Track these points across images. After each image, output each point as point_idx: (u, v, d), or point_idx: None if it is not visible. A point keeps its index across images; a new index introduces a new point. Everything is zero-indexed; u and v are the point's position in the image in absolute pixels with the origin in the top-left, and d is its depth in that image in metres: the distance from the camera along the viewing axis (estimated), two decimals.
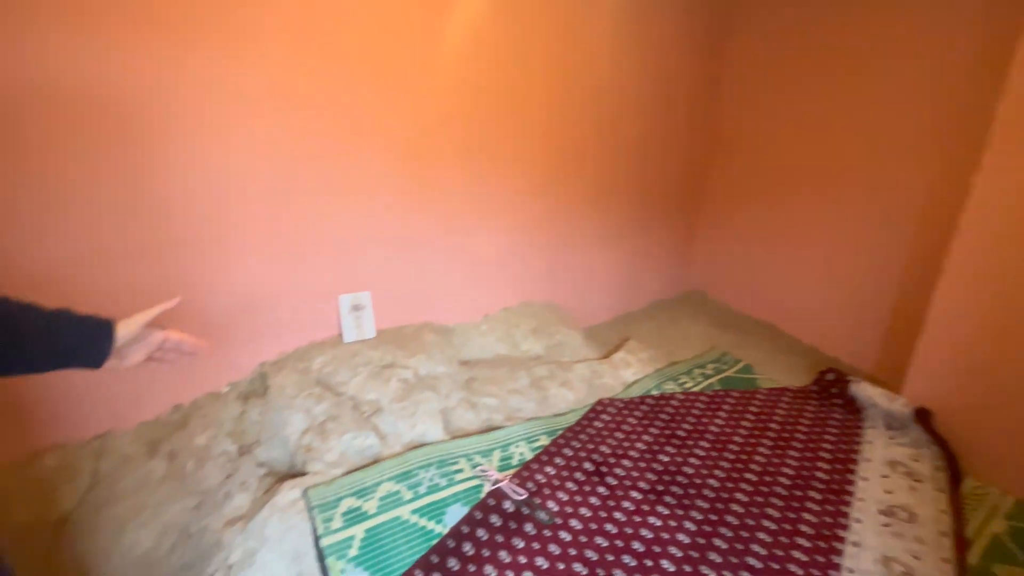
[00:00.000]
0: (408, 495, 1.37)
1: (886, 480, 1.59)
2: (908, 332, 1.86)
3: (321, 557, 1.19)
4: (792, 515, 1.45)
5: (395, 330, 1.89)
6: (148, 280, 1.36)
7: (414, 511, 1.33)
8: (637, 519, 1.41)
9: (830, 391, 2.03)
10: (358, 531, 1.25)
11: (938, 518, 1.44)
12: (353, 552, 1.21)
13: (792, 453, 1.71)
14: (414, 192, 1.83)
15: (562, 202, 2.32)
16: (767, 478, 1.59)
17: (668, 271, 3.07)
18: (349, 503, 1.31)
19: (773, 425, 1.86)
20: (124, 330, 0.71)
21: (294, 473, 1.42)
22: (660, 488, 1.53)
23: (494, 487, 1.43)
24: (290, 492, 1.31)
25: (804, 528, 1.41)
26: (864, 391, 1.88)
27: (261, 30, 1.38)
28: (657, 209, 2.79)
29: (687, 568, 1.26)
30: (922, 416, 1.71)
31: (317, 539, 1.22)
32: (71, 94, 1.17)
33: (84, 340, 0.67)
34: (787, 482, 1.58)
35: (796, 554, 1.32)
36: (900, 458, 1.68)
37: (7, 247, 1.16)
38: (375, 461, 1.45)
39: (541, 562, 1.25)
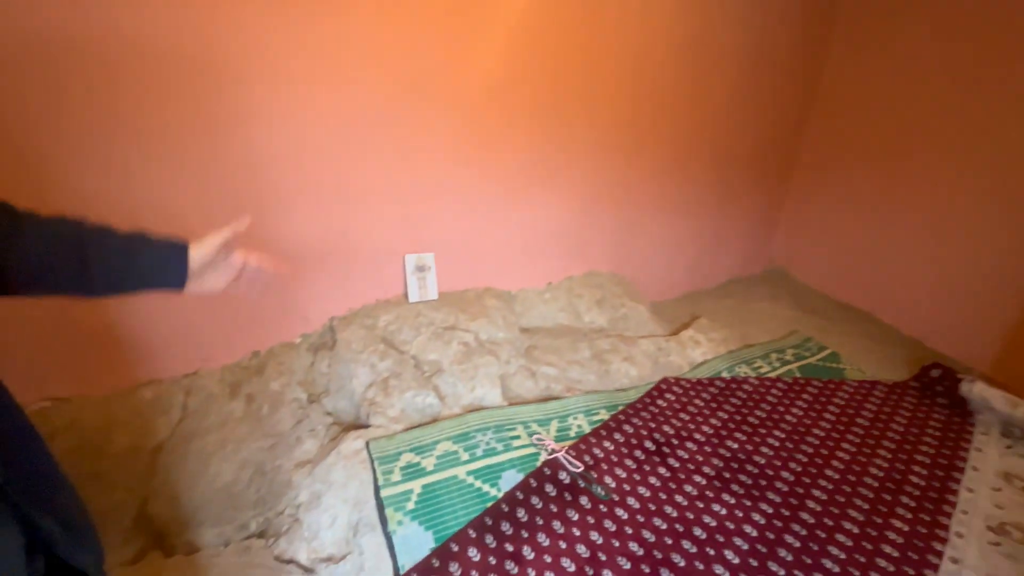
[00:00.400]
0: (465, 456, 1.38)
1: (998, 494, 1.39)
2: None
3: (380, 507, 1.23)
4: (878, 519, 1.31)
5: (458, 293, 1.88)
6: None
7: (470, 472, 1.34)
8: (700, 505, 1.33)
9: (934, 389, 1.80)
10: (416, 486, 1.28)
11: None
12: (410, 506, 1.24)
13: (882, 453, 1.55)
14: (480, 153, 1.78)
15: (636, 167, 2.17)
16: (850, 477, 1.45)
17: (748, 246, 2.84)
18: (408, 458, 1.34)
19: (861, 420, 1.69)
20: (197, 252, 0.71)
21: (358, 424, 1.47)
22: (727, 475, 1.43)
23: (550, 457, 1.41)
24: (354, 442, 1.36)
25: (892, 536, 1.27)
26: (980, 392, 1.65)
27: None
28: (740, 176, 2.55)
29: (753, 562, 1.18)
30: None
31: (377, 489, 1.26)
32: (169, 52, 1.22)
33: (160, 260, 0.68)
34: (874, 484, 1.43)
35: (880, 562, 1.20)
36: (1019, 471, 1.46)
37: (97, 188, 1.25)
38: (434, 420, 1.48)
39: (595, 536, 1.23)
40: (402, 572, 1.13)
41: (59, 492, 0.59)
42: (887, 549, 1.23)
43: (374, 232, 1.68)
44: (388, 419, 1.43)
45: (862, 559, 1.20)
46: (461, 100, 1.67)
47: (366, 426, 1.43)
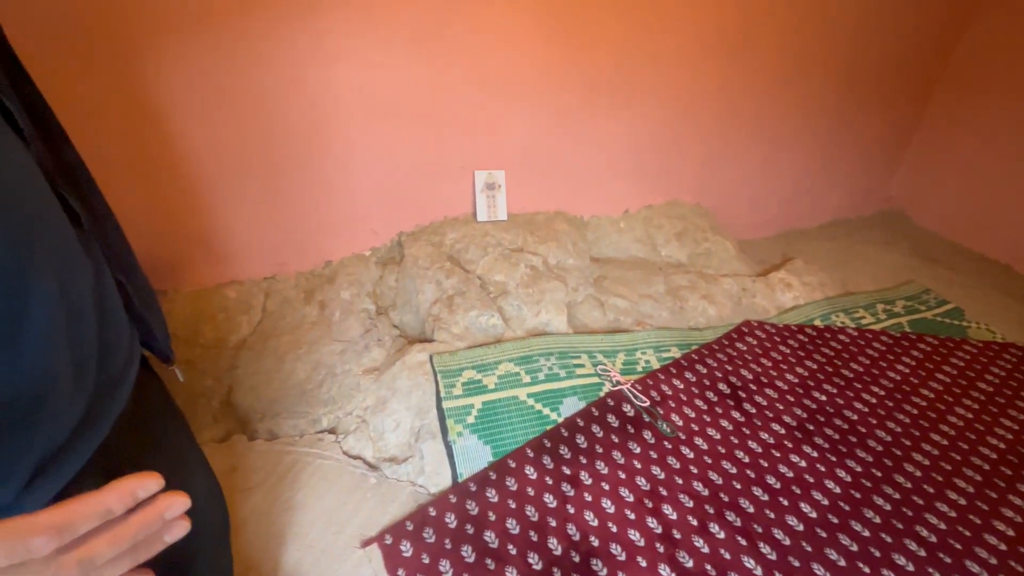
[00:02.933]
0: (526, 378, 1.35)
1: None
2: None
3: (442, 417, 1.25)
4: (992, 494, 1.15)
5: (527, 216, 1.79)
6: (296, 152, 1.41)
7: (530, 395, 1.32)
8: (776, 454, 1.23)
9: None
10: (476, 401, 1.28)
11: None
12: (471, 419, 1.25)
13: (1006, 423, 1.34)
14: (557, 59, 1.60)
15: (736, 80, 1.88)
16: (962, 444, 1.27)
17: (862, 182, 2.46)
18: (470, 375, 1.34)
19: (983, 385, 1.46)
20: None
21: (423, 338, 1.48)
22: (810, 427, 1.31)
23: (615, 388, 1.35)
24: (419, 354, 1.37)
25: (1008, 512, 1.11)
26: None
27: None
28: (863, 98, 2.16)
29: (833, 519, 1.08)
30: None
31: (439, 400, 1.28)
32: None
33: None
34: (991, 455, 1.25)
35: (990, 539, 1.05)
36: None
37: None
38: (497, 341, 1.45)
39: (657, 471, 1.17)
40: (460, 479, 1.15)
41: (135, 263, 0.60)
42: (999, 526, 1.08)
43: (443, 146, 1.60)
44: (452, 335, 1.42)
45: (967, 532, 1.06)
46: None
47: (430, 340, 1.43)
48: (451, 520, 1.07)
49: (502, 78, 1.56)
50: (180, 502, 0.34)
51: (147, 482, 0.33)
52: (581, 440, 1.23)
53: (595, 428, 1.26)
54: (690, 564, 1.00)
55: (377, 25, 1.35)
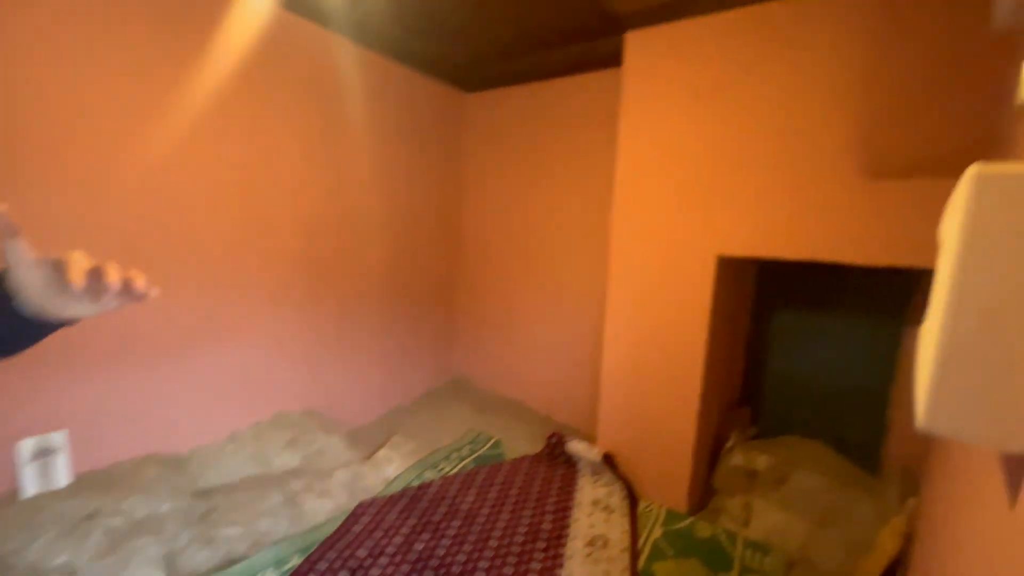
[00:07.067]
0: None
1: (591, 517, 2.02)
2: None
3: None
4: (524, 567, 1.72)
5: (103, 471, 1.61)
6: None
7: None
8: None
9: (555, 452, 2.49)
10: None
11: (622, 538, 1.91)
12: None
13: (526, 512, 2.04)
14: (137, 309, 1.69)
15: (316, 311, 2.41)
16: (505, 540, 1.85)
17: (434, 362, 3.37)
18: None
19: (513, 491, 2.18)
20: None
21: None
22: (415, 574, 1.63)
23: None
24: None
25: (534, 565, 1.69)
26: (574, 447, 2.38)
27: None
28: (418, 307, 3.11)
29: None
30: (608, 459, 2.26)
31: None
32: None
33: None
34: (521, 539, 1.87)
35: None
36: (600, 496, 2.16)
37: None
38: None
39: None
40: None
41: None
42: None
43: None
44: None
45: None
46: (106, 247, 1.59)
47: None
48: None
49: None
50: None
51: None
52: None
53: None
54: None
55: None
